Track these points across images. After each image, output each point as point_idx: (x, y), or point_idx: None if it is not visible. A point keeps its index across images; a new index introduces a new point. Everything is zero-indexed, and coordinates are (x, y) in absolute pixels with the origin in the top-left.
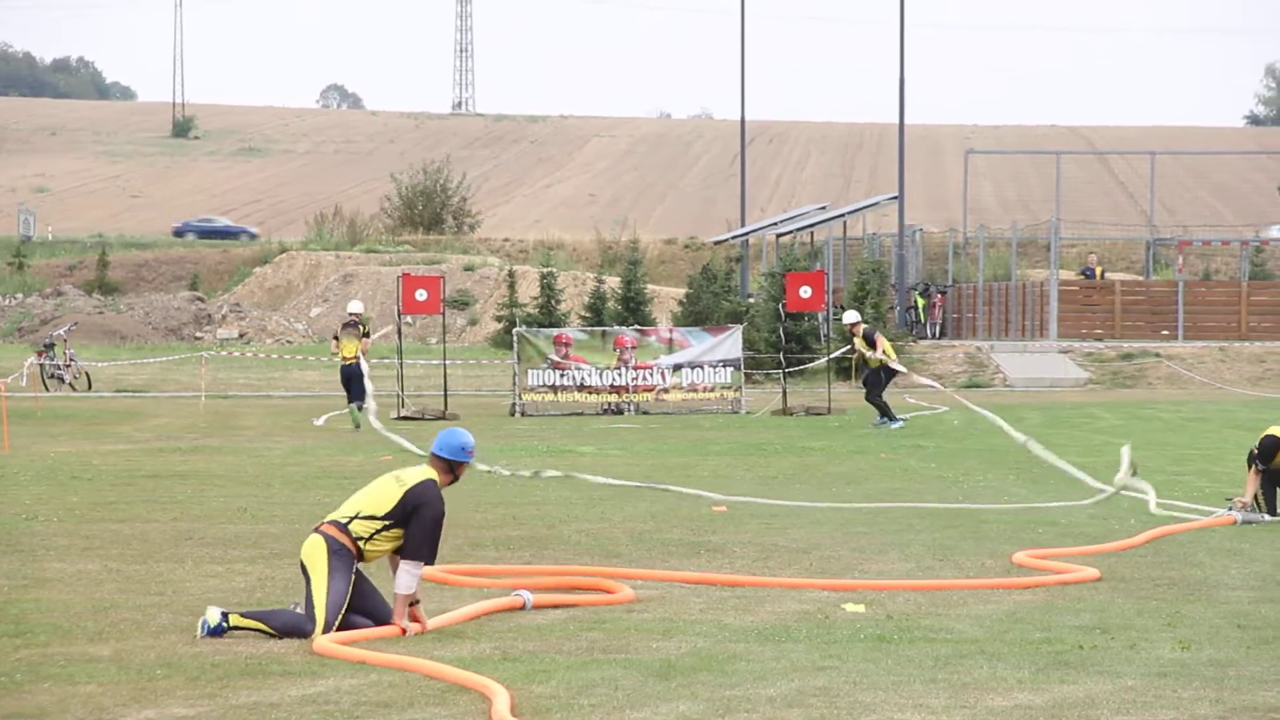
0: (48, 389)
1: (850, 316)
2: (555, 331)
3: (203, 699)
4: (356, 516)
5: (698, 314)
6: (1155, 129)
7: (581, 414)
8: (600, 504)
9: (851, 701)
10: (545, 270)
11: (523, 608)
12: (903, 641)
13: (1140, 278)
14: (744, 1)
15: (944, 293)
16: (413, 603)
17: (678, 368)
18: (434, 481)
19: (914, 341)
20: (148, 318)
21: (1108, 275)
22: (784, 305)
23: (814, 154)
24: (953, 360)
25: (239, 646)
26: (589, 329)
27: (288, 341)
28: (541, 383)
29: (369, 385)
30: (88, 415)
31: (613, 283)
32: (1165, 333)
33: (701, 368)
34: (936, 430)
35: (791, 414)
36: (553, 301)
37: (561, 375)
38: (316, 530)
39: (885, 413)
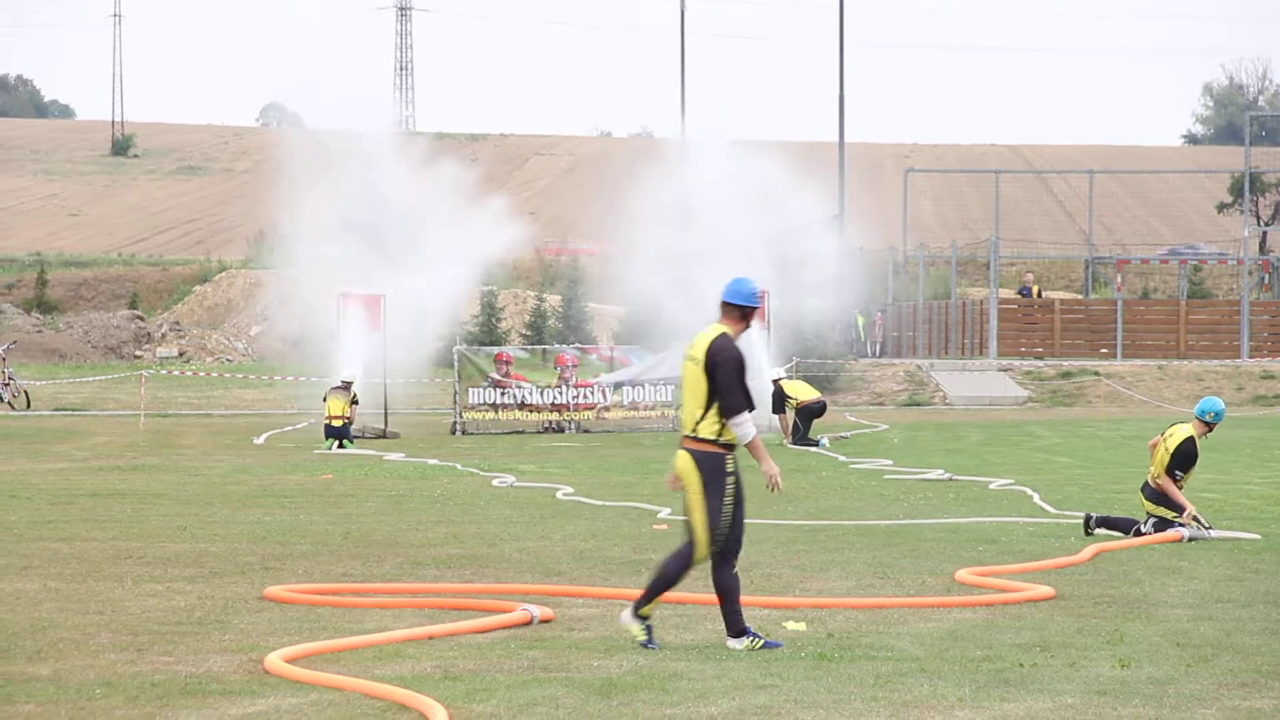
0: None
1: (772, 373)
2: (496, 350)
3: (142, 719)
4: (699, 420)
5: (638, 332)
6: (1094, 148)
7: (522, 432)
8: (542, 522)
9: (792, 719)
10: (485, 289)
11: (529, 623)
12: (843, 659)
13: (1079, 296)
14: (684, 21)
15: (883, 312)
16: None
17: (619, 386)
18: (725, 334)
19: (854, 360)
20: (87, 336)
21: (1047, 294)
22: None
23: None
24: (893, 379)
25: (179, 665)
26: (530, 347)
27: (227, 360)
28: (482, 401)
29: (350, 446)
30: (26, 434)
31: (554, 301)
32: (1104, 351)
33: (642, 386)
34: (877, 448)
35: None
36: (493, 319)
37: (502, 393)
38: (682, 446)
39: (810, 443)
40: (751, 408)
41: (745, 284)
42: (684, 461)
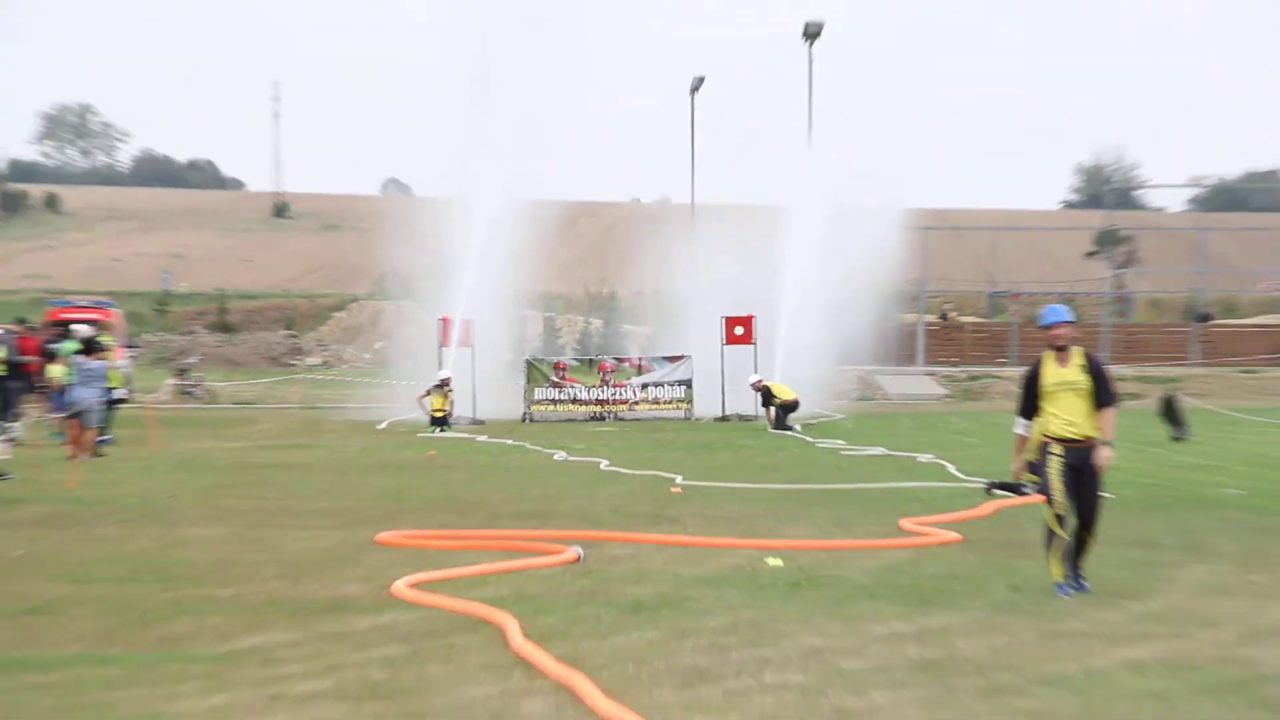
0: (184, 402)
1: (752, 378)
2: (555, 359)
3: (298, 628)
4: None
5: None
6: (997, 211)
7: (574, 420)
8: (590, 486)
9: (773, 630)
10: (547, 315)
11: (578, 560)
12: (810, 586)
13: (984, 320)
14: (694, 102)
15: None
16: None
17: (645, 386)
18: (1044, 354)
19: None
20: (256, 350)
21: (960, 318)
22: (724, 340)
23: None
24: (847, 381)
25: (324, 590)
26: (580, 357)
27: (358, 367)
28: (545, 397)
29: (448, 431)
30: (213, 421)
31: (597, 324)
32: (1002, 360)
33: (663, 386)
34: (835, 432)
35: (729, 420)
36: (553, 337)
37: (560, 391)
38: None
39: (786, 429)
40: (1026, 414)
41: (1044, 311)
42: None
